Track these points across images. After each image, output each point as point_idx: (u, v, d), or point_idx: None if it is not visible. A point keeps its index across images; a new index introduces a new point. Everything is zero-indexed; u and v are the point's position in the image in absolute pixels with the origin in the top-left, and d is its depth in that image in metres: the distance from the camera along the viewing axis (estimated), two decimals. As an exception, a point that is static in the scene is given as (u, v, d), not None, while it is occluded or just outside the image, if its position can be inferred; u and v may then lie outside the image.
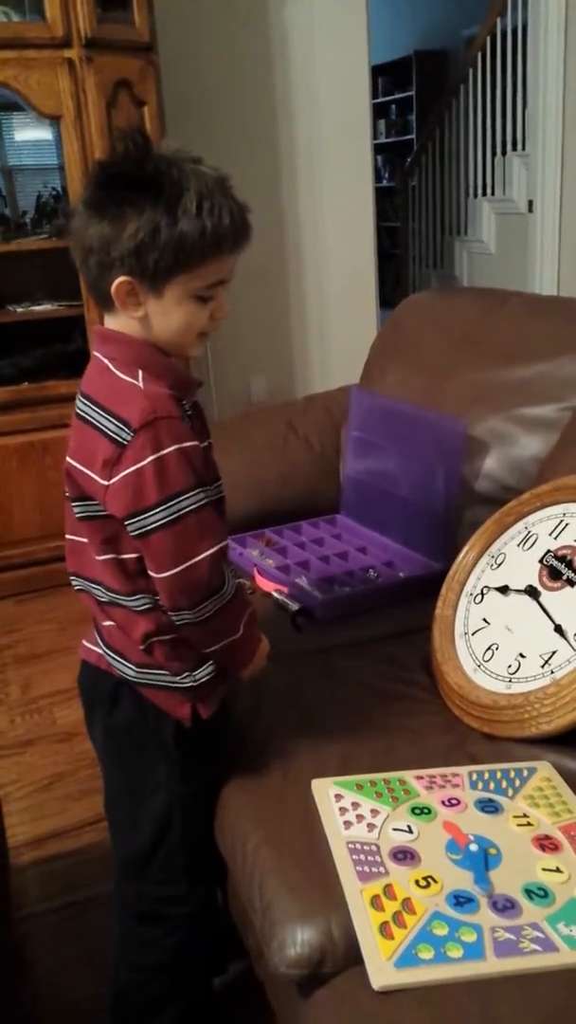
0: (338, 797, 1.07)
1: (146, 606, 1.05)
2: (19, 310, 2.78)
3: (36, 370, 2.75)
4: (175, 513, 0.97)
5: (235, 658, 1.12)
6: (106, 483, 0.99)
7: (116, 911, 1.25)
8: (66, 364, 2.74)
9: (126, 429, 0.97)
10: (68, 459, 1.06)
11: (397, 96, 7.03)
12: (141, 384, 1.00)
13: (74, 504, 1.06)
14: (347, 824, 1.03)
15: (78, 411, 1.04)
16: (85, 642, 1.17)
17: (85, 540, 1.07)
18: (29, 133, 3.00)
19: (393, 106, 7.15)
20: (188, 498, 0.98)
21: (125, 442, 0.97)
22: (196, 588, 1.00)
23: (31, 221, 2.88)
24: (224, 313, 1.05)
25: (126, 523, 0.99)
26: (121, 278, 0.98)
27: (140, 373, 1.01)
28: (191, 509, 0.98)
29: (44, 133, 2.88)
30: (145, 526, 0.98)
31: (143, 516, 0.98)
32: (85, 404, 1.03)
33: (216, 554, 1.00)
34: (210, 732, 1.13)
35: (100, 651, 1.13)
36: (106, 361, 1.03)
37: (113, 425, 0.98)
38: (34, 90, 2.48)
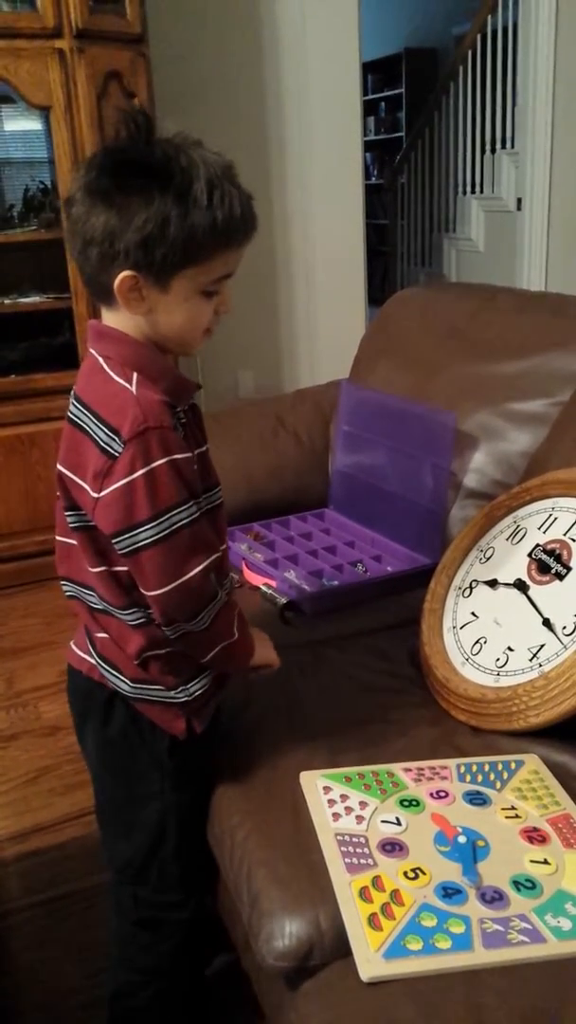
0: (327, 789, 1.07)
1: (140, 620, 1.02)
2: (6, 302, 2.76)
3: (22, 363, 2.73)
4: (167, 528, 0.93)
5: (232, 661, 1.09)
6: (96, 496, 0.95)
7: (114, 914, 1.23)
8: (53, 357, 2.72)
9: (117, 440, 0.92)
10: (59, 466, 1.02)
11: (387, 93, 7.04)
12: (134, 389, 0.95)
13: (67, 513, 1.02)
14: (336, 816, 1.03)
15: (70, 415, 0.99)
16: (75, 648, 1.13)
17: (77, 545, 1.03)
18: (16, 125, 2.97)
19: (383, 103, 7.16)
20: (180, 512, 0.94)
21: (116, 453, 0.92)
22: (191, 603, 0.97)
23: (18, 215, 2.86)
24: (228, 308, 1.00)
25: (114, 540, 0.95)
26: (125, 272, 0.92)
27: (135, 376, 0.96)
28: (184, 523, 0.94)
29: (32, 124, 2.86)
30: (136, 543, 0.93)
31: (134, 532, 0.93)
32: (77, 408, 0.99)
33: (208, 567, 0.96)
34: (204, 742, 1.12)
35: (93, 661, 1.09)
36: (100, 360, 0.98)
37: (104, 434, 0.94)
38: (24, 80, 2.46)
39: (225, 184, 0.92)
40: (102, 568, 1.01)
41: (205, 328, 1.00)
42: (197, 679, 1.07)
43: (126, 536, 0.94)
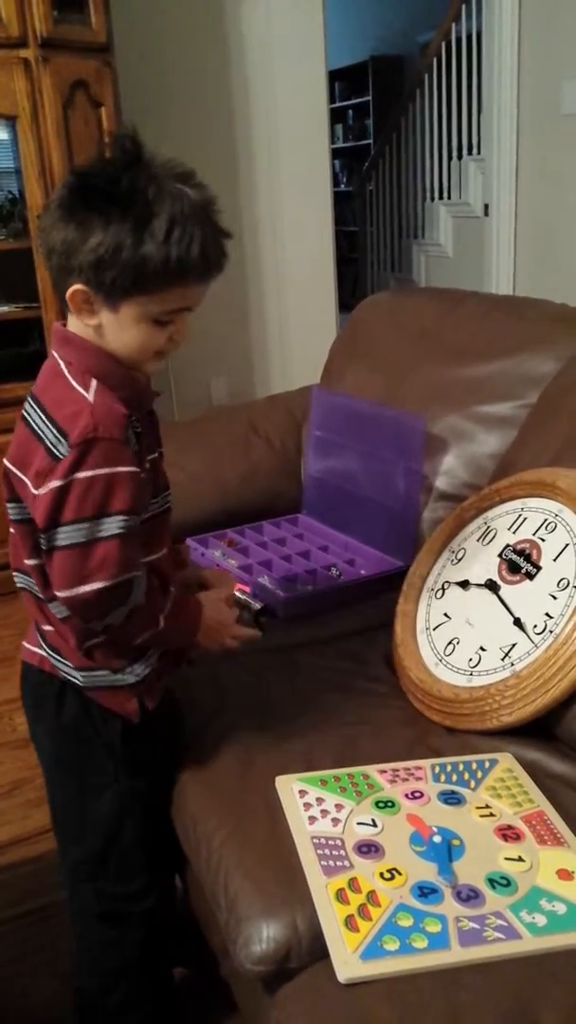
0: (302, 793, 1.07)
1: (65, 613, 1.04)
2: (-25, 312, 2.75)
3: (-7, 372, 2.72)
4: (84, 537, 0.95)
5: (169, 642, 1.11)
6: (35, 492, 0.97)
7: (75, 917, 1.23)
8: (23, 367, 2.69)
9: (64, 443, 0.95)
10: (6, 460, 1.05)
11: (354, 101, 7.07)
12: (91, 397, 0.97)
13: (8, 504, 1.06)
14: (311, 819, 1.03)
15: (24, 413, 1.03)
16: (26, 643, 1.15)
17: (17, 536, 1.07)
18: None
19: (350, 111, 7.19)
20: (104, 524, 0.96)
21: (60, 456, 0.95)
22: (89, 612, 1.00)
23: (-14, 224, 2.85)
24: (184, 338, 1.03)
25: (41, 537, 0.99)
26: (77, 286, 0.96)
27: (93, 383, 0.98)
28: (102, 536, 0.96)
29: (-1, 134, 2.86)
30: (52, 542, 0.97)
31: (54, 531, 0.96)
32: (32, 408, 1.02)
33: (106, 590, 0.97)
34: (156, 727, 1.14)
35: (43, 653, 1.11)
36: (62, 364, 1.01)
37: (53, 436, 0.97)
38: (-12, 89, 2.46)
39: (190, 223, 0.94)
40: (36, 561, 1.04)
41: (155, 352, 1.02)
42: (142, 659, 1.09)
43: (49, 534, 0.97)
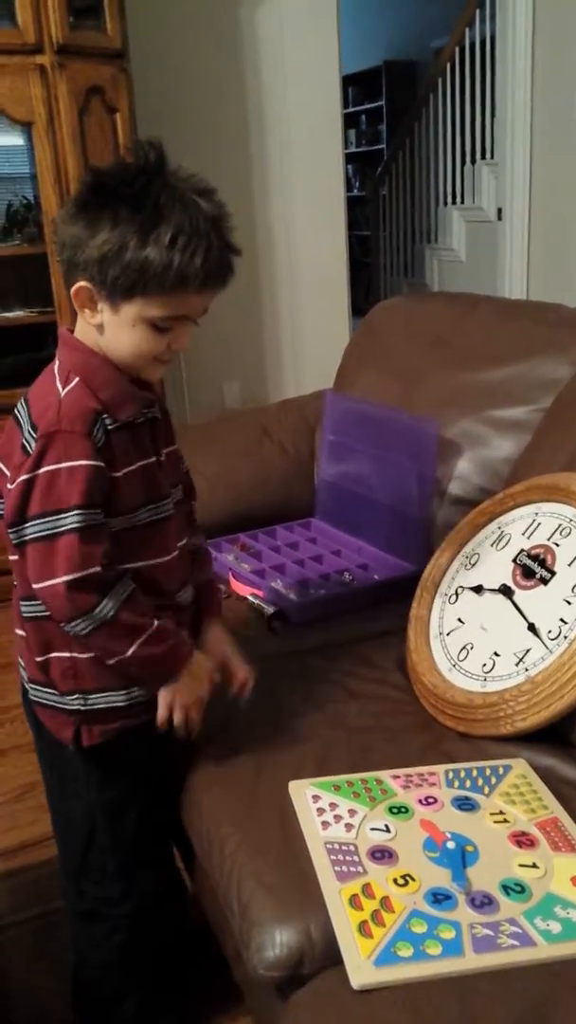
0: (315, 798, 1.07)
1: (31, 613, 1.06)
2: (-10, 317, 2.76)
3: (6, 377, 2.72)
4: (49, 530, 0.98)
5: (141, 675, 1.07)
6: (9, 487, 1.01)
7: (68, 909, 1.27)
8: (37, 371, 2.70)
9: (34, 438, 0.98)
10: None
11: (367, 106, 7.08)
12: (63, 393, 1.00)
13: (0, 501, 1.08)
14: (325, 824, 1.03)
15: (15, 411, 1.06)
16: None
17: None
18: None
19: (363, 116, 7.20)
20: (68, 516, 0.97)
21: (31, 451, 0.98)
22: (59, 608, 1.00)
23: (2, 230, 2.86)
24: (181, 347, 1.03)
25: (8, 531, 1.00)
26: (82, 282, 0.98)
27: (74, 380, 1.00)
28: (66, 529, 0.97)
29: (14, 140, 2.87)
30: (22, 537, 0.99)
31: (23, 526, 0.99)
32: (20, 405, 1.05)
33: (73, 583, 0.98)
34: (125, 744, 1.12)
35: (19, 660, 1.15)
36: (55, 364, 1.05)
37: (28, 431, 1.00)
38: (5, 96, 2.47)
39: (197, 234, 0.95)
40: (14, 557, 1.05)
41: (153, 357, 1.03)
42: (104, 692, 1.08)
43: (17, 528, 0.99)
